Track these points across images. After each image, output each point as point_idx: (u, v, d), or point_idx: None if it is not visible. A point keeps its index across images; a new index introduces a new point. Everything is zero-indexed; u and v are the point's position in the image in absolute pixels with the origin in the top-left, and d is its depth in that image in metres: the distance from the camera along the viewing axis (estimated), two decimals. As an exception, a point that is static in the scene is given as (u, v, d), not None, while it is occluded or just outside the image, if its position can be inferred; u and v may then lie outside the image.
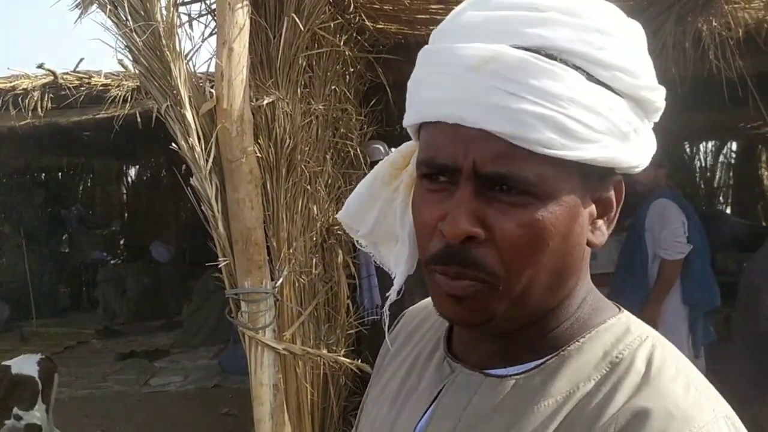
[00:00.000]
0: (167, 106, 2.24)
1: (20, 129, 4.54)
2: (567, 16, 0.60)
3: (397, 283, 0.79)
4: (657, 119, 0.67)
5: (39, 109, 4.33)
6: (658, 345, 0.65)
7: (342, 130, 3.33)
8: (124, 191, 11.44)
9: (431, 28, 2.78)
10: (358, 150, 3.40)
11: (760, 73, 3.60)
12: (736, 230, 7.02)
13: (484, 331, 0.68)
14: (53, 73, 4.43)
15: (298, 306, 2.78)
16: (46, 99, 4.38)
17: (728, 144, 10.02)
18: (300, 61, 2.73)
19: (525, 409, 0.64)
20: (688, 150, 10.02)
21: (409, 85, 0.67)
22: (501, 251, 0.61)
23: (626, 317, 0.69)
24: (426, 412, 0.71)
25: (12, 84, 4.54)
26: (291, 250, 2.74)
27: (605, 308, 0.69)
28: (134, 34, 2.17)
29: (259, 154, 2.51)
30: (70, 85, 4.34)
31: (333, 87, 3.16)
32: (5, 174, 9.91)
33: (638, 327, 0.67)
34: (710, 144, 10.09)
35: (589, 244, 0.65)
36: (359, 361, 3.13)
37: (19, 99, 4.43)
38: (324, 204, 3.06)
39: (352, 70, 3.44)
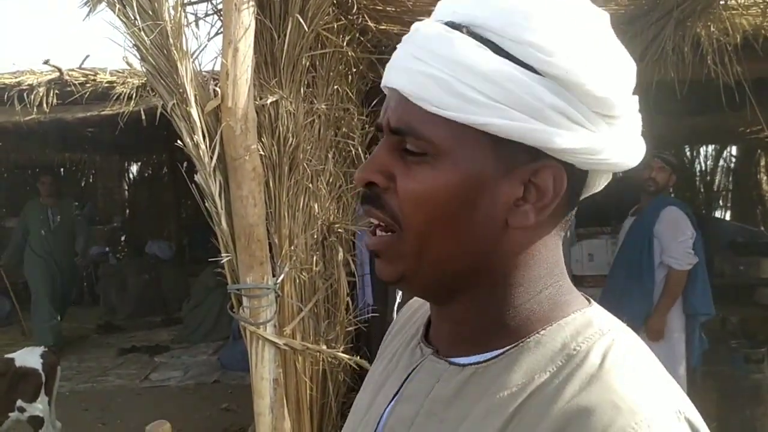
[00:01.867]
0: (173, 104, 2.28)
1: (25, 124, 4.58)
2: None
3: None
4: (609, 112, 0.65)
5: (44, 105, 4.37)
6: (619, 339, 0.65)
7: (344, 129, 3.37)
8: (126, 188, 11.48)
9: (433, 30, 2.76)
10: (360, 149, 3.43)
11: (757, 78, 3.64)
12: (733, 234, 7.06)
13: (410, 290, 0.72)
14: (59, 70, 4.46)
15: (298, 302, 2.82)
16: (51, 95, 4.42)
17: (728, 148, 10.06)
18: (303, 61, 2.77)
19: (481, 397, 0.65)
20: (688, 154, 10.05)
21: None
22: (400, 201, 0.66)
23: (592, 311, 0.68)
24: (396, 395, 0.73)
25: (18, 80, 4.58)
26: (292, 247, 2.79)
27: (572, 302, 0.69)
28: (142, 33, 2.21)
29: (262, 152, 2.55)
30: (76, 82, 4.38)
31: (335, 87, 3.20)
32: (8, 169, 9.96)
33: (602, 320, 0.67)
34: (710, 148, 10.12)
35: (510, 224, 0.65)
36: (358, 357, 3.18)
37: (25, 95, 4.47)
38: (325, 202, 3.10)
39: (354, 70, 3.48)
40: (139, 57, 2.29)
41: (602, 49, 0.64)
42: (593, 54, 0.63)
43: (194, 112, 2.27)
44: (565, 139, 0.63)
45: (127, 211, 11.30)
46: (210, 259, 2.62)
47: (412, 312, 0.88)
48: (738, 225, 7.96)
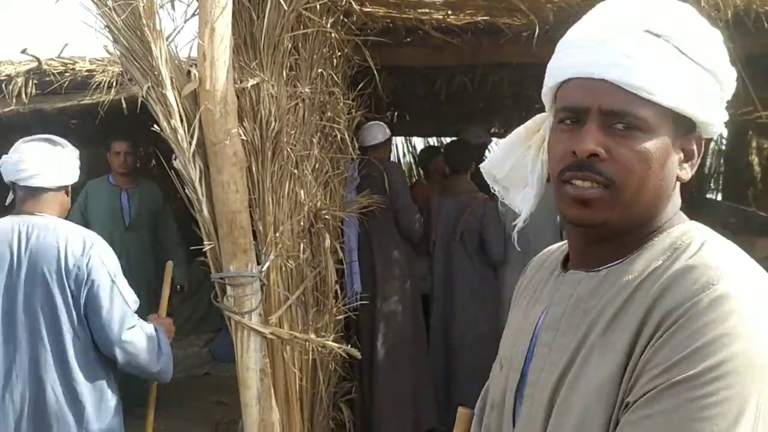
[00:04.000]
0: (148, 87, 2.20)
1: (4, 116, 4.47)
2: (669, 11, 0.89)
3: (525, 213, 1.12)
4: (729, 95, 0.93)
5: (23, 96, 4.27)
6: (714, 236, 0.89)
7: (329, 113, 3.29)
8: (114, 181, 11.35)
9: (419, 11, 2.75)
10: (346, 134, 3.36)
11: (749, 55, 3.57)
12: (727, 214, 7.04)
13: (599, 234, 0.92)
14: (37, 59, 4.35)
15: (285, 291, 2.75)
16: (30, 85, 4.31)
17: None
18: (285, 43, 2.69)
19: (613, 286, 0.88)
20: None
21: (552, 67, 0.96)
22: (618, 166, 0.86)
23: (692, 222, 0.93)
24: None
25: (-5, 70, 4.47)
26: (278, 234, 2.72)
27: (676, 219, 0.94)
28: (114, 13, 2.13)
29: (243, 137, 2.48)
30: (55, 71, 4.28)
31: (320, 70, 3.12)
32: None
33: (699, 226, 0.92)
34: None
35: (678, 178, 0.91)
36: (348, 346, 3.12)
37: (3, 85, 4.36)
38: (311, 188, 3.03)
39: (339, 53, 3.39)
40: (112, 39, 2.21)
41: (723, 46, 0.92)
42: (722, 52, 0.91)
43: (170, 95, 2.19)
44: (713, 116, 0.91)
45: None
46: (192, 248, 2.55)
47: (540, 263, 1.13)
48: (731, 205, 7.94)
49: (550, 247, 1.15)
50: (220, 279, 2.48)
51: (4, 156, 2.33)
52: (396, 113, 6.24)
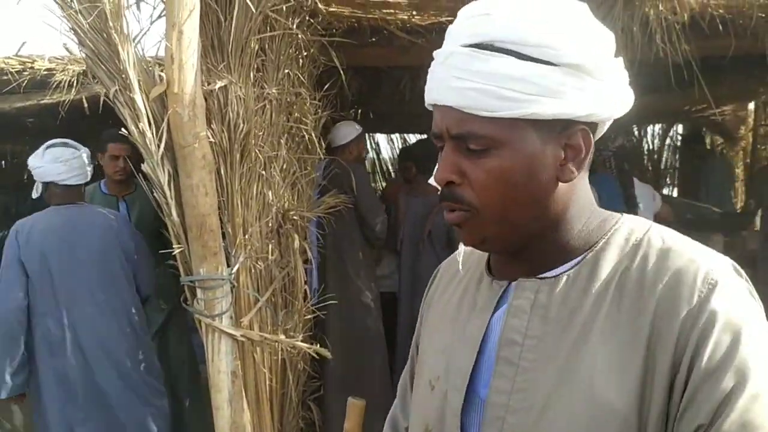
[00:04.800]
0: (116, 90, 2.18)
1: (-40, 116, 4.35)
2: (505, 14, 0.80)
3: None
4: (606, 77, 0.83)
5: (-20, 95, 4.15)
6: (662, 227, 0.87)
7: (296, 114, 3.29)
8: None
9: (384, 11, 2.78)
10: (313, 134, 3.36)
11: (704, 57, 3.69)
12: (683, 210, 7.23)
13: (489, 250, 0.93)
14: (-6, 58, 4.24)
15: (255, 292, 2.75)
16: (-14, 84, 4.19)
17: (674, 127, 10.26)
18: (252, 45, 2.68)
19: (585, 291, 0.83)
20: (636, 133, 10.23)
21: None
22: (475, 190, 0.84)
23: (627, 217, 0.90)
24: (489, 322, 0.90)
25: (-50, 69, 4.34)
26: (247, 236, 2.71)
27: (611, 217, 0.90)
28: (80, 15, 2.10)
29: (212, 140, 2.47)
30: (12, 70, 4.17)
31: (286, 71, 3.12)
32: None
33: (641, 220, 0.89)
34: (657, 127, 10.31)
35: (559, 180, 0.85)
36: (317, 345, 3.13)
37: (-42, 84, 4.23)
38: (279, 189, 3.03)
39: (305, 53, 3.39)
40: (77, 41, 2.18)
41: (589, 31, 0.83)
42: (586, 39, 0.82)
43: (138, 98, 2.17)
44: (588, 107, 0.82)
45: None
46: (161, 251, 2.53)
47: (454, 272, 1.07)
48: (686, 201, 8.16)
49: (458, 251, 1.10)
50: (190, 282, 2.47)
51: (33, 160, 2.91)
52: (360, 111, 6.25)
